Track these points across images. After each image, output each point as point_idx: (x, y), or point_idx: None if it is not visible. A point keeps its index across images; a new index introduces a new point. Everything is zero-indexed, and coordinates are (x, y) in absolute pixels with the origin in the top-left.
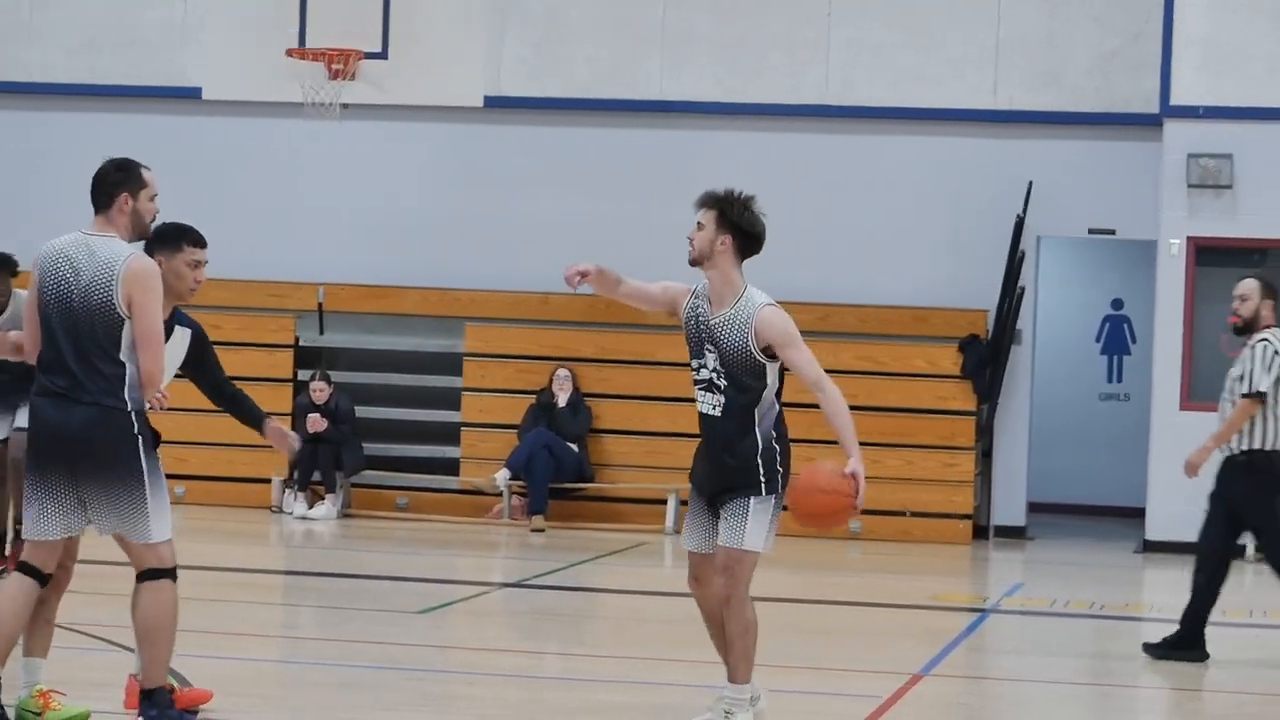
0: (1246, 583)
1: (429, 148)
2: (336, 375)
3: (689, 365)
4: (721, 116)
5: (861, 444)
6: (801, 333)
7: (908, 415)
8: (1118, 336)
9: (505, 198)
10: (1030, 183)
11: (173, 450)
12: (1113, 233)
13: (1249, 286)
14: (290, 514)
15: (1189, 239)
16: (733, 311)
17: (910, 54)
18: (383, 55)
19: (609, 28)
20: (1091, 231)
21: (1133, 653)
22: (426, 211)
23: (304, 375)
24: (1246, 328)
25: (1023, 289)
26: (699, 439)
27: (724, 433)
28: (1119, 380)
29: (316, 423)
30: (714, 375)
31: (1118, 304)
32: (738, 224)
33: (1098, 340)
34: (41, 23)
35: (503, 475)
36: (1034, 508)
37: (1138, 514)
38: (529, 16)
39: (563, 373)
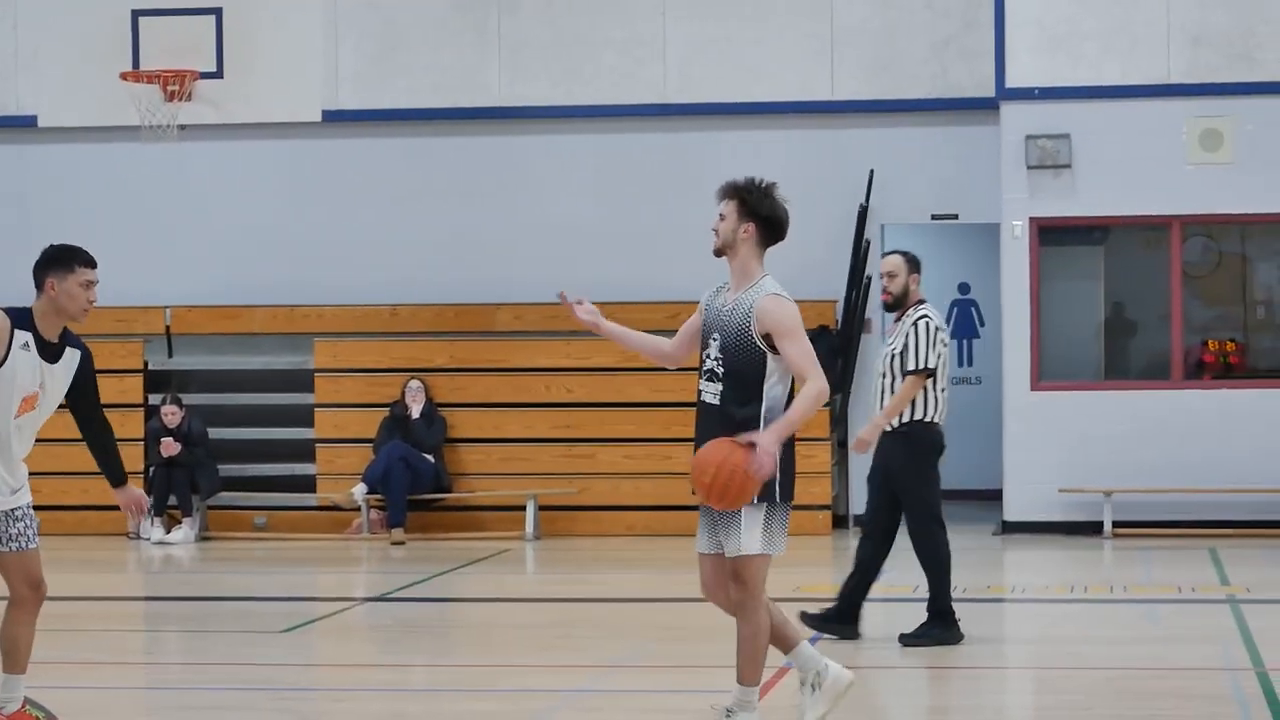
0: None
1: (269, 165)
2: (188, 398)
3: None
4: (562, 120)
5: None
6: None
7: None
8: (966, 320)
9: (348, 211)
10: (872, 171)
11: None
12: (956, 217)
13: (895, 263)
14: (147, 540)
15: (1031, 220)
16: (741, 297)
17: (746, 49)
18: (218, 74)
19: (445, 36)
20: (934, 217)
21: (996, 635)
22: (270, 229)
23: (154, 399)
24: (898, 303)
25: (870, 278)
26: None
27: (722, 422)
28: (969, 364)
29: (170, 446)
30: (715, 363)
31: (964, 288)
32: (759, 212)
33: (946, 325)
34: None
35: (360, 490)
36: None
37: (994, 496)
38: (364, 29)
39: (415, 384)
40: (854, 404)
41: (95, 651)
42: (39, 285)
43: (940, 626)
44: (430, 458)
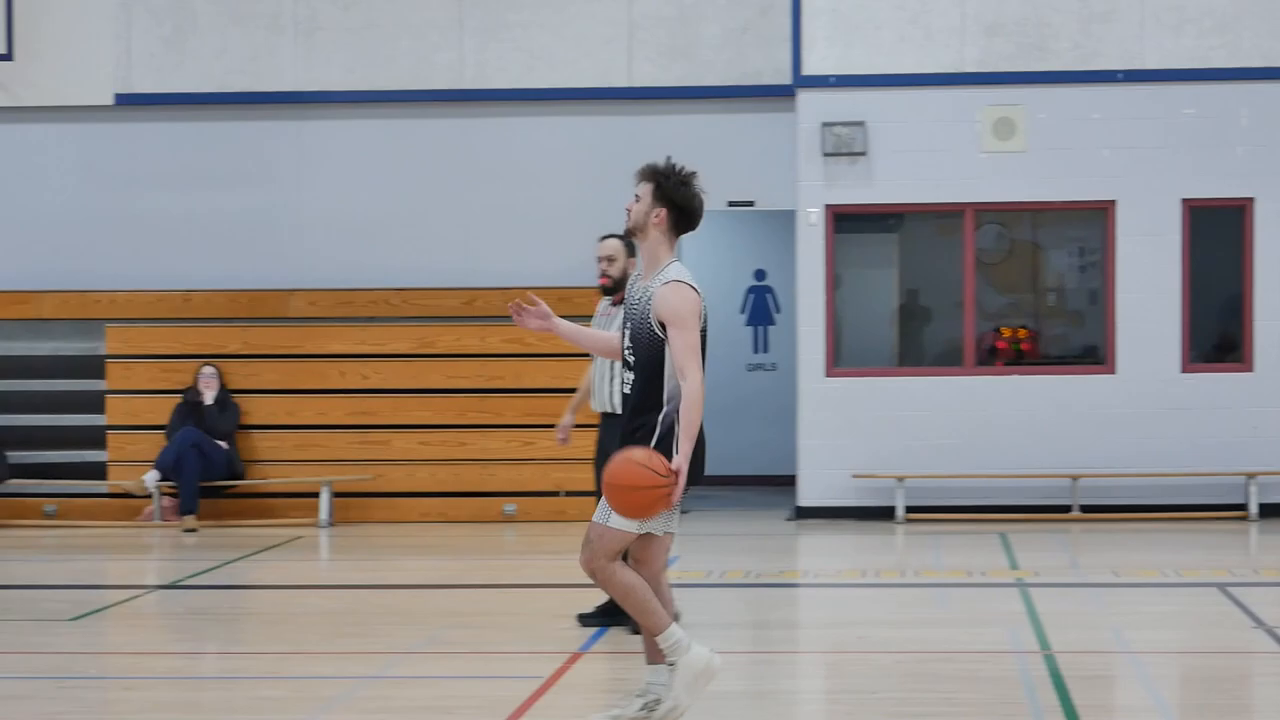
0: (898, 544)
1: (60, 148)
2: None
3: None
4: (356, 105)
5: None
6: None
7: (558, 395)
8: (762, 307)
9: (141, 196)
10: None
11: None
12: (752, 204)
13: (614, 246)
14: None
15: (827, 207)
16: (647, 285)
17: (542, 34)
18: (8, 57)
19: (238, 19)
20: (731, 204)
21: (791, 620)
22: (60, 213)
23: None
24: (617, 287)
25: None
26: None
27: (630, 410)
28: (765, 350)
29: None
30: (628, 352)
31: (760, 275)
32: (672, 198)
33: (742, 312)
34: None
35: (152, 476)
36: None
37: (788, 482)
38: (156, 11)
39: (208, 370)
40: None
41: None
42: None
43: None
44: (223, 444)
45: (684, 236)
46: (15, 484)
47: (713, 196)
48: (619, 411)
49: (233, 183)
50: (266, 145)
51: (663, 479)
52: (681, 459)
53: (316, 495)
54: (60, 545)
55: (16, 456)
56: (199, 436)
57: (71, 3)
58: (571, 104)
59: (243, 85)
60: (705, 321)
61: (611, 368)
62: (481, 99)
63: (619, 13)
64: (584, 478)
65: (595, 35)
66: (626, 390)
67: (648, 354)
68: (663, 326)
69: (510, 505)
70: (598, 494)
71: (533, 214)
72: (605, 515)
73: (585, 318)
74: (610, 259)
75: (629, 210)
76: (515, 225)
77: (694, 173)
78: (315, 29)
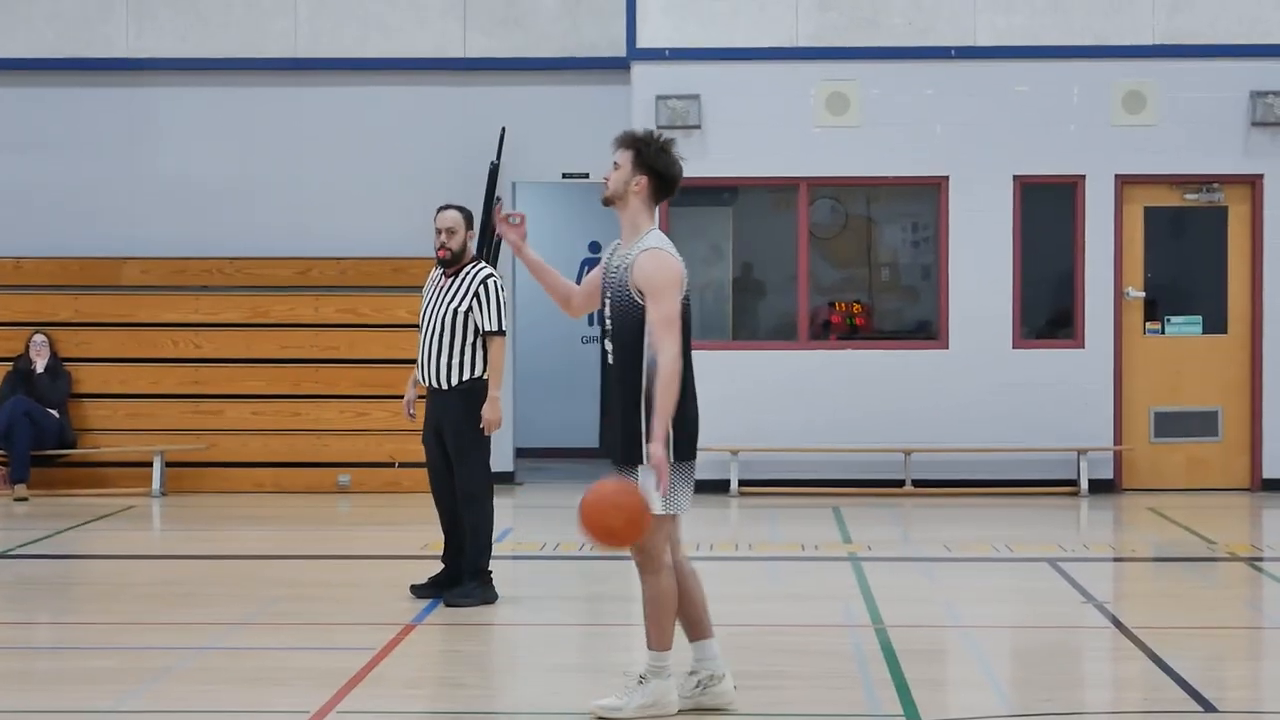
0: (732, 518)
1: None
2: None
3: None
4: (188, 72)
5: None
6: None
7: (392, 366)
8: None
9: None
10: (503, 129)
11: None
12: (587, 176)
13: (454, 219)
14: None
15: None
16: (627, 252)
17: (376, 3)
18: None
19: None
20: (565, 176)
21: (624, 592)
22: None
23: None
24: (455, 259)
25: (500, 236)
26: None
27: (618, 382)
28: (599, 323)
29: None
30: (609, 321)
31: (594, 247)
32: (653, 165)
33: (577, 284)
34: None
35: None
36: (520, 452)
37: None
38: None
39: (39, 338)
40: None
41: None
42: None
43: (482, 585)
44: (55, 413)
45: (518, 206)
46: None
47: (547, 168)
48: (443, 386)
49: (65, 150)
50: (99, 112)
51: (638, 503)
52: (656, 444)
53: (149, 465)
54: None
55: None
56: (30, 405)
57: None
58: (406, 74)
59: (74, 51)
60: (687, 291)
61: (438, 344)
62: (315, 68)
63: None
64: (418, 449)
65: (429, 5)
66: (610, 359)
67: (626, 323)
68: (642, 295)
69: (344, 476)
70: (429, 465)
71: (367, 184)
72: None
73: (419, 289)
74: (450, 231)
75: (607, 179)
76: (349, 195)
77: (672, 140)
78: None
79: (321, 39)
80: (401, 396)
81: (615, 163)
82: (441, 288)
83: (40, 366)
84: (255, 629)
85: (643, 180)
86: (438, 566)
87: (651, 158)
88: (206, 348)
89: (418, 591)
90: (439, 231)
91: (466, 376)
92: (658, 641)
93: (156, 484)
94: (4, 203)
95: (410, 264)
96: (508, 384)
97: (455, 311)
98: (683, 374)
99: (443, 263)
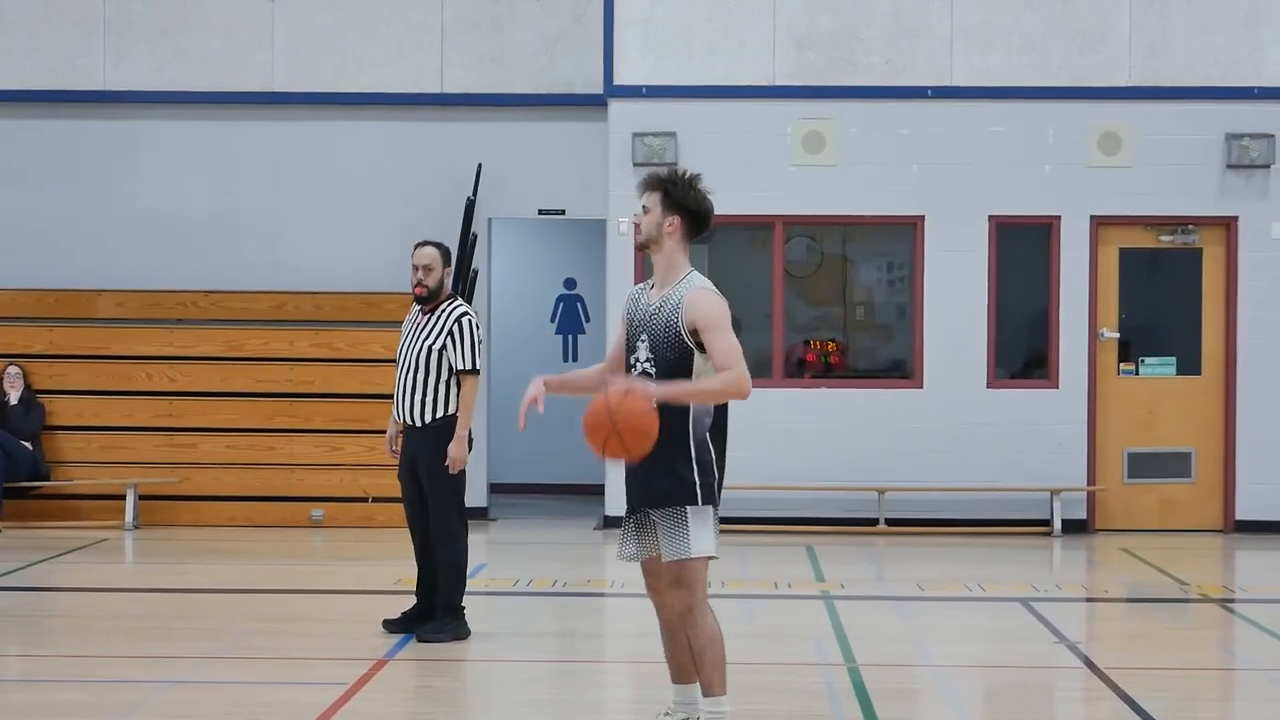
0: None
1: None
2: None
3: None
4: (166, 105)
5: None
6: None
7: (367, 401)
8: (571, 316)
9: None
10: (480, 165)
11: None
12: (563, 213)
13: (432, 255)
14: None
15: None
16: (669, 293)
17: (354, 37)
18: None
19: (47, 16)
20: (542, 212)
21: (598, 630)
22: None
23: None
24: (432, 296)
25: (476, 271)
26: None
27: (662, 426)
28: (574, 359)
29: None
30: (647, 364)
31: (570, 283)
32: (684, 204)
33: (552, 320)
34: None
35: None
36: (494, 488)
37: (597, 491)
38: None
39: (13, 370)
40: None
41: None
42: None
43: (455, 621)
44: (28, 445)
45: (494, 243)
46: None
47: (524, 204)
48: (418, 423)
49: (41, 181)
50: (76, 144)
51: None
52: (661, 389)
53: (122, 498)
54: None
55: None
56: (3, 437)
57: None
58: (383, 109)
59: (52, 83)
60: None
61: (413, 381)
62: (292, 102)
63: (431, 18)
64: (392, 484)
65: (407, 40)
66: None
67: (673, 364)
68: (693, 335)
69: (318, 510)
70: (405, 500)
71: (343, 219)
72: (683, 547)
73: (394, 324)
74: (427, 268)
75: (637, 225)
76: (326, 230)
77: (698, 175)
78: (125, 28)
79: (298, 72)
80: (376, 431)
81: (644, 207)
82: (418, 325)
83: (14, 398)
84: (227, 663)
85: (675, 220)
86: (410, 601)
87: (681, 196)
88: (181, 381)
89: (390, 626)
90: (415, 268)
91: (440, 414)
92: (719, 685)
93: (129, 517)
94: None
95: (385, 299)
96: (481, 419)
97: (430, 349)
98: (724, 419)
99: (419, 299)
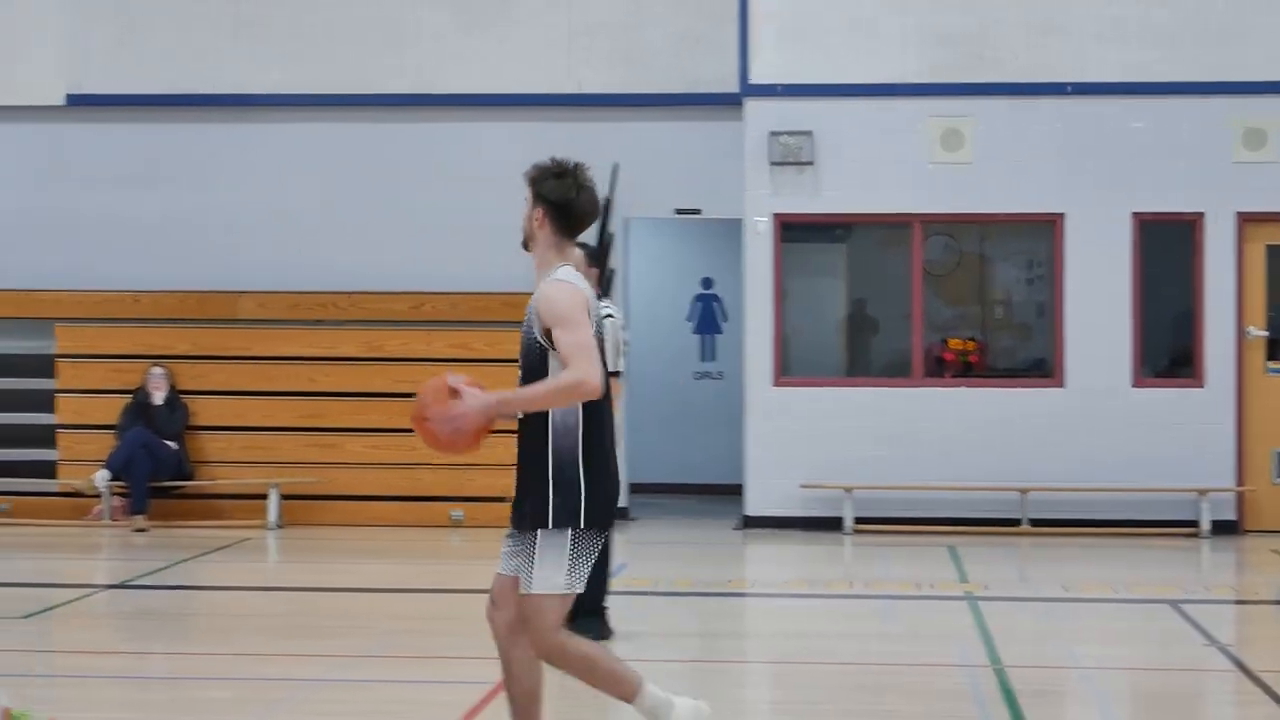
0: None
1: (10, 147)
2: None
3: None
4: (300, 108)
5: None
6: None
7: None
8: (709, 315)
9: (91, 196)
10: (616, 165)
11: None
12: (699, 212)
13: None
14: None
15: (774, 216)
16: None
17: (486, 38)
18: None
19: (184, 20)
20: (678, 211)
21: (738, 630)
22: (11, 213)
23: None
24: None
25: (613, 271)
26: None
27: (520, 438)
28: (712, 359)
29: None
30: (520, 371)
31: (707, 283)
32: (547, 196)
33: (689, 320)
34: None
35: (102, 476)
36: (634, 488)
37: (736, 491)
38: (105, 11)
39: (158, 371)
40: None
41: None
42: None
43: (597, 621)
44: (173, 445)
45: (630, 243)
46: None
47: (659, 204)
48: None
49: (181, 184)
50: (213, 146)
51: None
52: (488, 398)
53: (265, 497)
54: (11, 543)
55: None
56: (148, 437)
57: (21, 6)
58: (517, 109)
59: (188, 87)
60: (600, 323)
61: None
62: (426, 104)
63: (563, 18)
64: None
65: (539, 41)
66: (519, 418)
67: (534, 368)
68: (548, 334)
69: (457, 510)
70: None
71: (478, 219)
72: (526, 580)
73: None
74: None
75: (524, 220)
76: (462, 230)
77: (577, 164)
78: (261, 31)
79: (432, 75)
80: (515, 432)
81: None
82: None
83: (159, 399)
84: (370, 662)
85: (540, 212)
86: None
87: (545, 188)
88: (321, 381)
89: None
90: None
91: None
92: (626, 691)
93: (272, 516)
94: (123, 237)
95: (522, 299)
96: (619, 420)
97: None
98: (596, 429)
99: None
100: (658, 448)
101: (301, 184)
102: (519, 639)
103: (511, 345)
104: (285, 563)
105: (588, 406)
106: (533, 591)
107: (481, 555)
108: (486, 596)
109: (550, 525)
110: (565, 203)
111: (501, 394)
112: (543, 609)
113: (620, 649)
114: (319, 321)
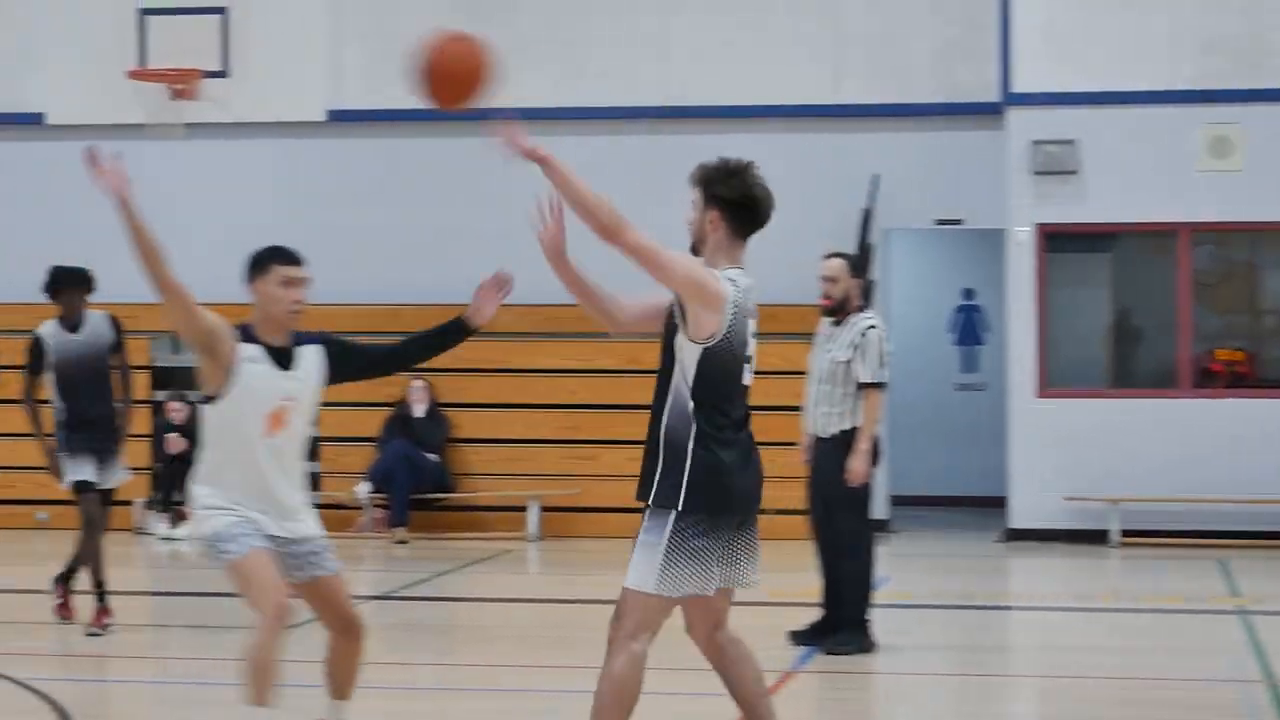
0: (1111, 569)
1: (273, 163)
2: (193, 394)
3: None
4: (560, 121)
5: None
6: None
7: (764, 413)
8: (970, 326)
9: (349, 211)
10: (875, 176)
11: (34, 476)
12: (960, 222)
13: (837, 267)
14: (154, 535)
15: (1037, 226)
16: None
17: (747, 50)
18: (224, 73)
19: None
20: (939, 222)
21: (1002, 643)
22: (275, 228)
23: (160, 396)
24: (838, 309)
25: (873, 283)
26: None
27: (652, 417)
28: (974, 370)
29: (175, 443)
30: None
31: (969, 294)
32: (724, 195)
33: (951, 331)
34: None
35: (364, 488)
36: (895, 500)
37: (998, 503)
38: (365, 29)
39: (419, 383)
40: None
41: (103, 646)
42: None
43: (860, 634)
44: (434, 457)
45: (891, 254)
46: None
47: (920, 214)
48: (823, 435)
49: (440, 198)
50: (472, 160)
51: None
52: (545, 151)
53: (524, 509)
54: None
55: None
56: (410, 449)
57: (284, 22)
58: (777, 120)
59: None
60: (737, 318)
61: (820, 393)
62: (685, 115)
63: (824, 29)
64: (792, 495)
65: (801, 52)
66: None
67: (662, 366)
68: (682, 310)
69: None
70: (808, 513)
71: None
72: (628, 573)
73: (793, 335)
74: (833, 279)
75: (688, 223)
76: None
77: (750, 163)
78: (521, 45)
79: (691, 86)
80: (775, 443)
81: (692, 202)
82: (827, 336)
83: (420, 411)
84: (651, 674)
85: (716, 215)
86: (816, 613)
87: (722, 186)
88: (581, 394)
89: (796, 638)
90: (822, 279)
91: (845, 426)
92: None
93: (532, 528)
94: (382, 251)
95: (783, 311)
96: (881, 432)
97: (835, 361)
98: (727, 426)
99: (826, 311)
100: (919, 459)
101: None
102: (720, 645)
103: (771, 357)
104: (545, 575)
105: (706, 390)
106: (627, 585)
107: None
108: (733, 609)
109: (651, 501)
110: (741, 202)
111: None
112: (631, 606)
113: (886, 661)
114: (579, 334)
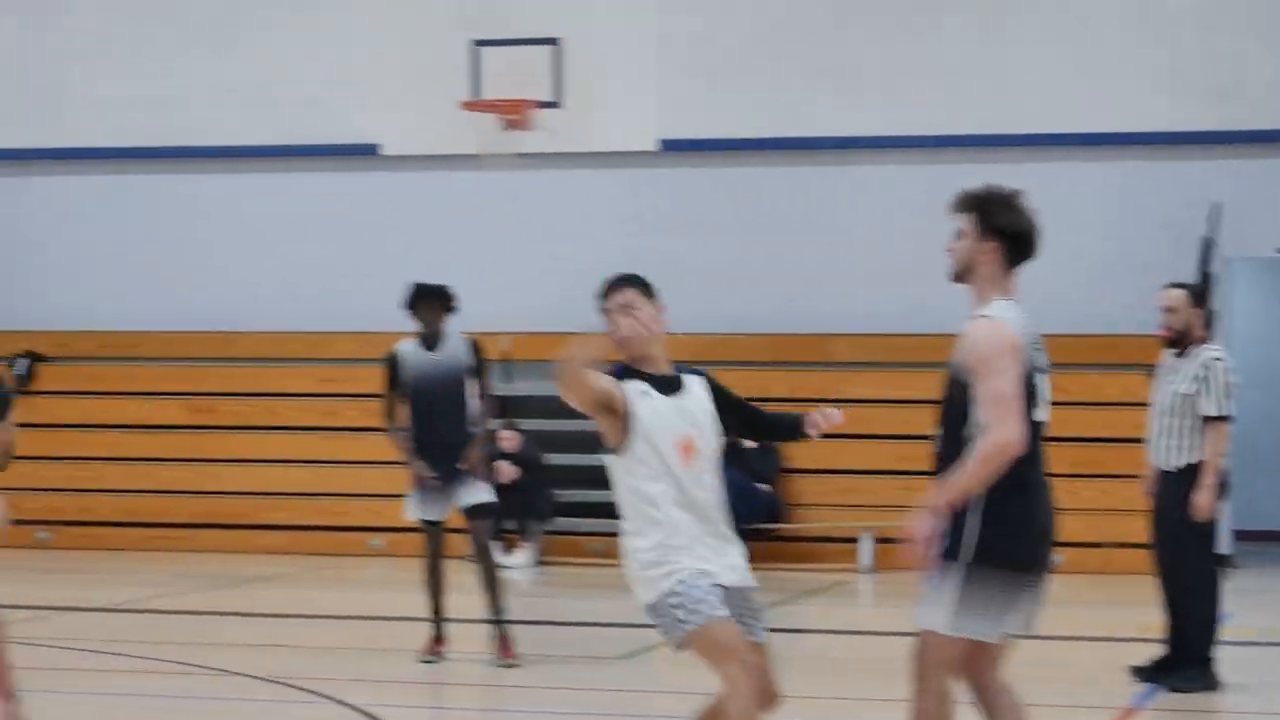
0: None
1: (606, 194)
2: (524, 423)
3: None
4: (890, 150)
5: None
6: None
7: (1103, 445)
8: None
9: (682, 241)
10: (1216, 204)
11: (368, 503)
12: None
13: (1177, 298)
14: None
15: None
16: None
17: (1076, 78)
18: (556, 104)
19: (777, 66)
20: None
21: None
22: (606, 258)
23: (493, 425)
24: (1179, 340)
25: (1215, 313)
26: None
27: (937, 476)
28: None
29: (507, 471)
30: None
31: None
32: (1002, 226)
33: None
34: (208, 86)
35: None
36: (1240, 535)
37: None
38: (698, 59)
39: None
40: None
41: (429, 673)
42: None
43: (1204, 672)
44: (766, 487)
45: (1233, 284)
46: (561, 521)
47: (1261, 243)
48: (1168, 468)
49: (771, 228)
50: (806, 190)
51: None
52: (936, 497)
53: (855, 541)
54: (607, 583)
55: (565, 495)
56: (740, 479)
57: (617, 52)
58: (1114, 149)
59: (778, 131)
60: (1032, 366)
61: (1162, 425)
62: (1017, 144)
63: (1158, 56)
64: (1132, 529)
65: (1135, 79)
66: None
67: (950, 408)
68: (970, 374)
69: (1058, 556)
70: (1152, 548)
71: (1071, 261)
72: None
73: (1133, 366)
74: (1173, 310)
75: (950, 251)
76: (1053, 271)
77: (1019, 191)
78: (854, 74)
79: (1022, 114)
80: (1112, 475)
81: (959, 230)
82: (1170, 368)
83: (751, 442)
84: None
85: (993, 245)
86: (1159, 649)
87: (1000, 217)
88: (915, 424)
89: (1140, 675)
90: (1162, 310)
91: (1189, 460)
92: None
93: (865, 560)
94: (716, 280)
95: (1122, 341)
96: (1227, 466)
97: (1177, 394)
98: (1022, 471)
99: (1167, 343)
100: (1265, 494)
101: (892, 226)
102: (993, 691)
103: (1108, 388)
104: (879, 607)
105: (1027, 449)
106: (917, 624)
107: (1075, 601)
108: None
109: (972, 559)
110: (1025, 234)
111: (942, 490)
112: (925, 644)
113: (1232, 700)
114: (918, 364)
